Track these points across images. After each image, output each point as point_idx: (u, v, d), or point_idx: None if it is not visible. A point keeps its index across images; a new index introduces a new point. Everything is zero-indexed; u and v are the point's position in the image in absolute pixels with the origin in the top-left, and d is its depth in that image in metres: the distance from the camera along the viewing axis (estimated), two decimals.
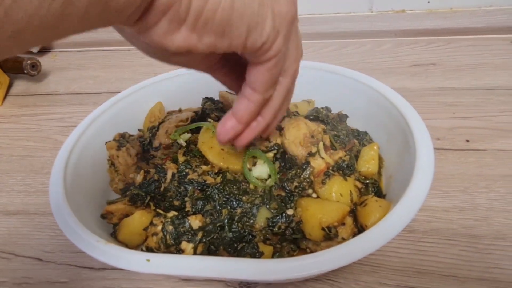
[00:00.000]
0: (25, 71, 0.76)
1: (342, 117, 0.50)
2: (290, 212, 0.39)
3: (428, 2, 0.76)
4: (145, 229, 0.41)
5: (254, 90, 0.31)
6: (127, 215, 0.43)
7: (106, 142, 0.50)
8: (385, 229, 0.34)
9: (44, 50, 0.91)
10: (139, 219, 0.41)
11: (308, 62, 0.56)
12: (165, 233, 0.39)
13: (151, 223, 0.41)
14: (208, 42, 0.25)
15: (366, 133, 0.51)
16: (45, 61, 0.87)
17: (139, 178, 0.45)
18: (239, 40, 0.25)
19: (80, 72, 0.83)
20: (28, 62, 0.76)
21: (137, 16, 0.22)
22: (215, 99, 0.54)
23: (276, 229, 0.38)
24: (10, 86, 0.81)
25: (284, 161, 0.43)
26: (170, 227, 0.39)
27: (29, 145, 0.65)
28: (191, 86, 0.58)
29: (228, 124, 0.33)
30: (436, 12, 0.77)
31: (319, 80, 0.55)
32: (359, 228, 0.39)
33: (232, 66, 0.36)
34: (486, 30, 0.74)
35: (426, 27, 0.77)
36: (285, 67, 0.31)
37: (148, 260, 0.33)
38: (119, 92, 0.56)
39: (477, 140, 0.54)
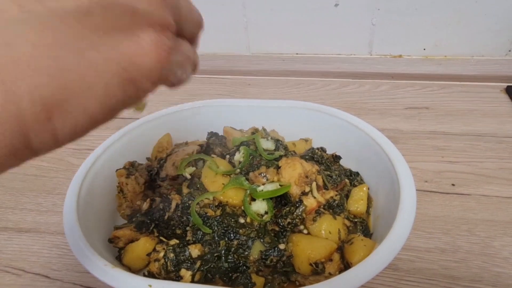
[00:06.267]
0: None
1: (336, 158, 0.54)
2: (282, 246, 0.42)
3: (424, 49, 0.81)
4: (148, 254, 0.45)
5: None
6: (132, 241, 0.47)
7: (117, 170, 0.54)
8: (368, 267, 0.38)
9: None
10: (143, 245, 0.45)
11: (307, 103, 0.61)
12: (166, 260, 0.42)
13: (154, 249, 0.45)
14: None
15: (357, 173, 0.54)
16: None
17: (145, 205, 0.49)
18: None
19: None
20: None
21: None
22: (220, 134, 0.59)
23: (268, 261, 0.42)
24: None
25: (280, 197, 0.47)
26: (172, 255, 0.42)
27: (43, 166, 0.69)
28: (197, 119, 0.63)
29: None
30: (431, 59, 0.82)
31: (317, 121, 0.59)
32: (345, 265, 0.43)
33: None
34: (477, 78, 0.79)
35: (421, 72, 0.81)
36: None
37: (150, 286, 0.37)
38: (130, 118, 0.60)
39: (462, 185, 0.57)
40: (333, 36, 0.84)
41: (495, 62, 0.79)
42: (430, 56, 0.82)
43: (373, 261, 0.38)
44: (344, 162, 0.56)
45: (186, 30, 0.23)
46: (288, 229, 0.44)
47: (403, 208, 0.42)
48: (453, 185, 0.58)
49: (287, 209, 0.45)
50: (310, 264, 0.40)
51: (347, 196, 0.50)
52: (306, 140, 0.59)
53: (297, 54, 0.88)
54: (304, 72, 0.87)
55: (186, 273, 0.41)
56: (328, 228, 0.44)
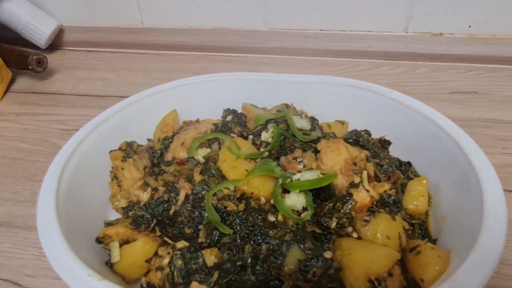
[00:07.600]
0: (30, 67, 0.70)
1: (384, 143, 0.44)
2: (327, 255, 0.32)
3: (469, 27, 0.71)
4: (148, 260, 0.34)
5: None
6: (127, 241, 0.36)
7: (111, 151, 0.43)
8: None
9: (53, 48, 0.86)
10: (142, 248, 0.34)
11: (340, 79, 0.51)
12: (172, 269, 0.32)
13: (156, 254, 0.34)
14: None
15: (409, 163, 0.44)
16: (53, 58, 0.82)
17: (145, 196, 0.39)
18: None
19: (89, 72, 0.78)
20: (34, 57, 0.70)
21: None
22: (238, 111, 0.48)
23: (310, 275, 0.31)
24: (12, 81, 0.75)
25: (319, 190, 0.36)
26: (179, 262, 0.32)
27: (24, 148, 0.58)
28: (210, 95, 0.52)
29: None
30: (477, 38, 0.71)
31: (354, 99, 0.49)
32: (410, 281, 0.32)
33: None
34: None
35: (465, 53, 0.71)
36: None
37: None
38: (128, 97, 0.50)
39: None
40: (363, 10, 0.74)
41: None
42: (476, 34, 0.72)
43: (461, 284, 0.27)
44: (390, 151, 0.46)
45: None
46: (332, 231, 0.34)
47: (491, 210, 0.32)
48: None
49: (331, 205, 0.35)
50: (370, 281, 0.30)
51: (402, 192, 0.40)
52: (342, 123, 0.49)
53: (321, 30, 0.78)
54: (329, 51, 0.76)
55: None
56: (386, 231, 0.34)
